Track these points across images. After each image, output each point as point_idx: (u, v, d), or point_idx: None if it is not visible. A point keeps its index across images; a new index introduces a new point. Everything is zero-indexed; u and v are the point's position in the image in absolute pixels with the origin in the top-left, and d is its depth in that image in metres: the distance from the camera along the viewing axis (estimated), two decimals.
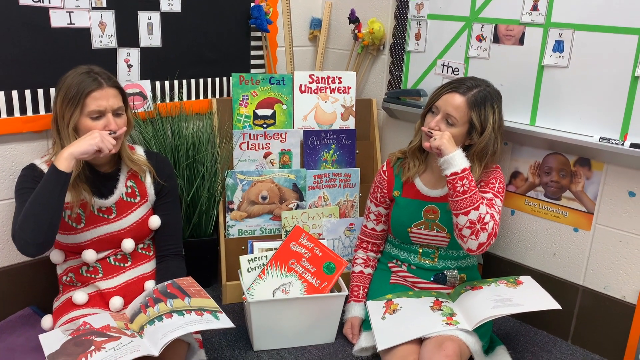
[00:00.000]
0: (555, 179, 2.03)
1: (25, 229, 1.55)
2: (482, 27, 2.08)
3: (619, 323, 1.94)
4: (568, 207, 2.02)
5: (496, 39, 2.05)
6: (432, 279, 1.98)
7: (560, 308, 1.75)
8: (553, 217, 2.07)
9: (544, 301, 1.78)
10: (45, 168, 1.72)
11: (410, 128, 2.40)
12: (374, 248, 2.11)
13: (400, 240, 2.01)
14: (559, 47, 1.90)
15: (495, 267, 2.22)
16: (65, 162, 1.56)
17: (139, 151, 1.88)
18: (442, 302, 1.84)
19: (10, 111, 1.89)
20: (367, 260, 2.10)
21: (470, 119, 1.79)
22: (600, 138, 1.83)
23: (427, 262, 1.97)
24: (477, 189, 1.74)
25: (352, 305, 2.04)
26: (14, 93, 1.88)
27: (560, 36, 1.89)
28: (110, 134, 1.66)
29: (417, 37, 2.30)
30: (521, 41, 1.99)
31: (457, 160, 1.73)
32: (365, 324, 1.96)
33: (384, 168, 2.04)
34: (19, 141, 1.94)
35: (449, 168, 1.74)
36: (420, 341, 1.74)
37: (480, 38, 2.09)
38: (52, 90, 1.92)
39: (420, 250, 1.97)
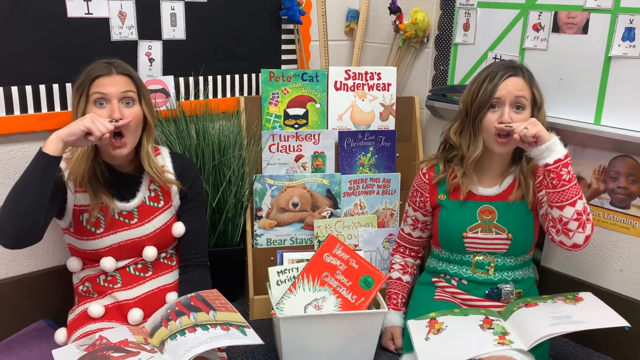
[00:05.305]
0: (623, 185, 1.98)
1: (2, 215, 1.55)
2: (539, 15, 2.06)
3: None
4: (638, 216, 1.96)
5: (556, 28, 2.03)
6: (485, 294, 1.93)
7: (629, 325, 1.69)
8: (620, 228, 2.01)
9: (609, 318, 1.74)
10: (64, 166, 1.72)
11: None
12: (412, 254, 2.16)
13: (449, 252, 1.98)
14: (629, 35, 1.86)
15: (553, 283, 2.17)
16: (51, 144, 1.55)
17: (164, 153, 1.88)
18: (493, 320, 1.80)
19: (23, 108, 1.91)
20: (405, 267, 2.14)
21: (533, 95, 1.84)
22: None
23: (481, 274, 1.93)
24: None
25: (391, 313, 2.07)
26: (28, 88, 1.90)
27: (630, 22, 1.85)
28: (112, 121, 1.64)
29: (466, 27, 2.30)
30: (585, 29, 1.96)
31: (558, 146, 1.73)
32: (406, 346, 1.92)
33: (424, 170, 2.04)
34: (32, 140, 1.96)
35: (550, 155, 1.72)
36: None
37: (537, 27, 2.08)
38: (69, 86, 1.95)
39: (475, 261, 1.93)
